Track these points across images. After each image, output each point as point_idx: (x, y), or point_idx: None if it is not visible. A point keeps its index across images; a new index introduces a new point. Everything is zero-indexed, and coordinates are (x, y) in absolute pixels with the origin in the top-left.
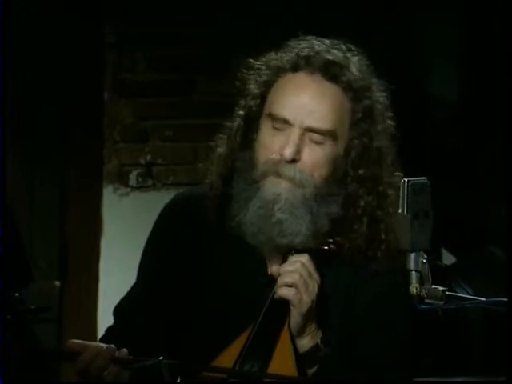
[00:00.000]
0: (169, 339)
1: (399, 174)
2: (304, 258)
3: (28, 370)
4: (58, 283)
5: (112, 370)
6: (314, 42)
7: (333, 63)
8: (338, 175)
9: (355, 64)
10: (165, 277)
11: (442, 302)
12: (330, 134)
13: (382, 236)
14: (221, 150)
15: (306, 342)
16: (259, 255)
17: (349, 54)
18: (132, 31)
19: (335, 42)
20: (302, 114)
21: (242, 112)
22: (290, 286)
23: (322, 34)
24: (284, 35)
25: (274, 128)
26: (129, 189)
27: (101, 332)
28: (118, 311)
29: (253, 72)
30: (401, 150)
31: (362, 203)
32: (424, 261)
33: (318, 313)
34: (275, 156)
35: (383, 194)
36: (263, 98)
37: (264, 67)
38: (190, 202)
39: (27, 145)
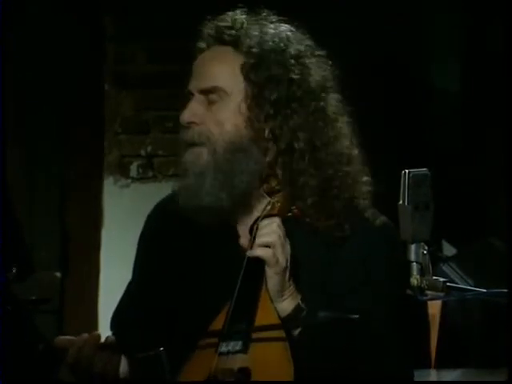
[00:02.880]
0: (164, 329)
1: (340, 125)
2: (277, 220)
3: (28, 362)
4: (58, 274)
5: (101, 357)
6: (217, 17)
7: (219, 27)
8: (249, 130)
9: (241, 21)
10: (157, 273)
11: (442, 294)
12: (221, 90)
13: (333, 191)
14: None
15: (286, 305)
16: (231, 231)
17: (239, 16)
18: (132, 23)
19: (236, 11)
20: (196, 80)
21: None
22: (266, 246)
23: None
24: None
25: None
26: (129, 180)
27: (102, 322)
28: (117, 319)
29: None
30: (402, 143)
31: (270, 155)
32: (425, 252)
33: (297, 276)
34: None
35: (304, 147)
36: None
37: (192, 56)
38: (171, 203)
39: (28, 136)
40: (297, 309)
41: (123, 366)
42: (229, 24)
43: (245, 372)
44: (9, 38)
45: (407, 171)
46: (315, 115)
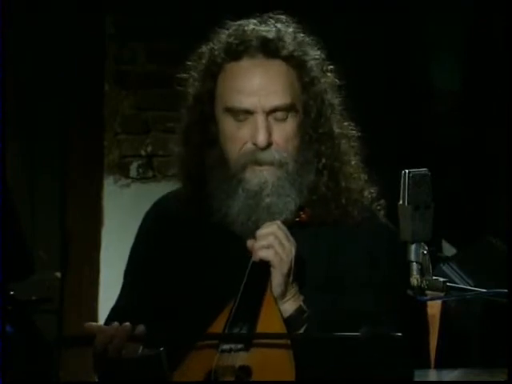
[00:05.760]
0: (163, 327)
1: (348, 123)
2: (277, 222)
3: (28, 362)
4: (58, 274)
5: (129, 348)
6: (243, 23)
7: (268, 40)
8: (306, 140)
9: (288, 34)
10: (154, 275)
11: (442, 294)
12: (292, 107)
13: (342, 184)
14: (180, 151)
15: (288, 307)
16: (237, 235)
17: (279, 26)
18: (133, 22)
19: (262, 18)
20: (260, 98)
21: (193, 113)
22: (267, 248)
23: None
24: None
25: (237, 120)
26: (129, 180)
27: (102, 322)
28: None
29: (190, 72)
30: (402, 142)
31: (323, 160)
32: (425, 252)
33: (301, 278)
34: (249, 146)
35: (338, 146)
36: (211, 93)
37: (201, 63)
38: (168, 204)
39: (28, 136)
40: (299, 310)
41: None
42: (275, 35)
43: (246, 370)
44: (9, 38)
45: (407, 171)
46: (339, 112)
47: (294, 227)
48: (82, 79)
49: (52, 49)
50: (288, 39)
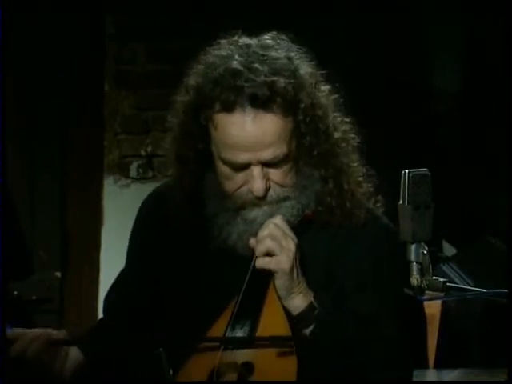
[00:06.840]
0: (160, 322)
1: (347, 125)
2: (276, 219)
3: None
4: (58, 274)
5: (50, 352)
6: (230, 64)
7: (259, 98)
8: (302, 164)
9: (281, 80)
10: (150, 263)
11: (442, 294)
12: (287, 155)
13: (345, 187)
14: (177, 165)
15: (298, 303)
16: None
17: (272, 66)
18: (133, 22)
19: (253, 53)
20: (255, 153)
21: (185, 144)
22: (264, 254)
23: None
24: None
25: (233, 168)
26: (129, 180)
27: None
28: (108, 303)
29: (177, 101)
30: (402, 141)
31: (322, 171)
32: (425, 252)
33: (306, 275)
34: (246, 188)
35: (337, 153)
36: (206, 132)
37: (187, 96)
38: (166, 195)
39: (28, 135)
40: (309, 307)
41: (73, 362)
42: (267, 89)
43: (248, 366)
44: (9, 38)
45: (407, 171)
46: (338, 117)
47: (298, 225)
48: (82, 79)
49: (52, 49)
50: (281, 84)
